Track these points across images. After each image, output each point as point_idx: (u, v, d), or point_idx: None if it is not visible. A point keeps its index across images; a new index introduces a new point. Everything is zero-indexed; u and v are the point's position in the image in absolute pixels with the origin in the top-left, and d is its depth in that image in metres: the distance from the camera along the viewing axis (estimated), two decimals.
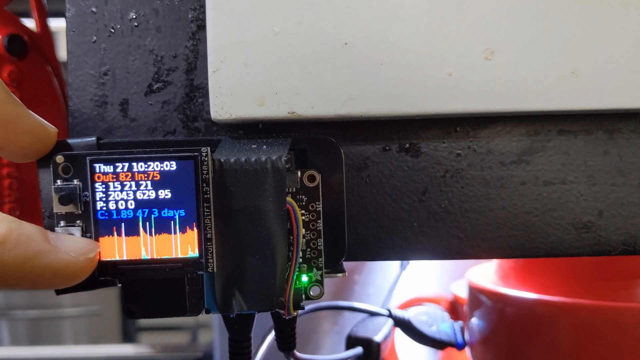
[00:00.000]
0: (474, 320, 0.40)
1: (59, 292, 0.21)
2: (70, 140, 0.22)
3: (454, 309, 0.47)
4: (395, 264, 0.53)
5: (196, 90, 0.25)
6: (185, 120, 0.25)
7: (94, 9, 0.24)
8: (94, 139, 0.22)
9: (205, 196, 0.20)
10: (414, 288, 0.57)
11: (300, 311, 0.25)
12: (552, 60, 0.22)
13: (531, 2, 0.22)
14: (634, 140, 0.24)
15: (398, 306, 0.48)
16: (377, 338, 0.34)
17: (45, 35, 0.37)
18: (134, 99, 0.24)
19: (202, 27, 0.24)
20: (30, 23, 0.37)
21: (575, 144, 0.24)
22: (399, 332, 0.43)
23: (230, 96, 0.22)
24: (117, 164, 0.20)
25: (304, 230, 0.22)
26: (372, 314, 0.38)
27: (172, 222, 0.20)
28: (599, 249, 0.25)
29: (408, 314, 0.40)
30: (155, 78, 0.24)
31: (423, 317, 0.41)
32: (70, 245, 0.19)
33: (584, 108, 0.23)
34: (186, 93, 0.25)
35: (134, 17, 0.24)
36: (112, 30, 0.24)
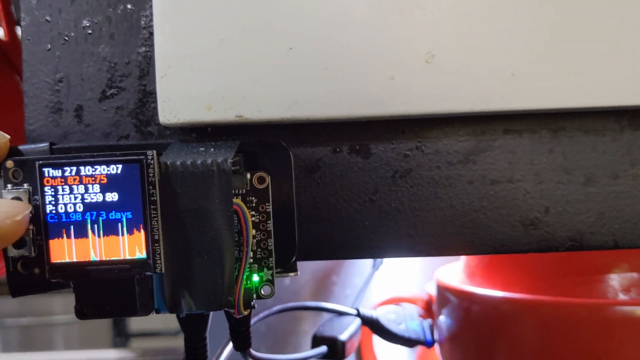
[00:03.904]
0: (442, 318, 0.40)
1: (14, 295, 0.22)
2: (21, 147, 0.22)
3: (429, 307, 0.47)
4: (368, 264, 0.53)
5: (149, 96, 0.25)
6: (139, 124, 0.25)
7: (48, 18, 0.25)
8: (46, 144, 0.23)
9: (152, 198, 0.21)
10: (393, 288, 0.58)
11: (266, 312, 0.25)
12: (491, 63, 0.23)
13: (469, 7, 0.23)
14: (578, 138, 0.25)
15: (376, 305, 0.48)
16: (342, 337, 0.35)
17: (14, 44, 0.37)
18: (88, 104, 0.25)
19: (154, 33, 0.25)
20: None
21: (520, 143, 0.25)
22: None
23: (178, 101, 0.23)
24: (65, 168, 0.21)
25: (254, 230, 0.23)
26: (340, 313, 0.38)
27: (119, 224, 0.21)
28: (547, 245, 0.25)
29: (377, 313, 0.41)
30: (109, 84, 0.25)
31: (392, 315, 0.41)
32: None
33: (524, 108, 0.23)
34: (139, 98, 0.25)
35: (88, 24, 0.25)
36: (66, 38, 0.25)
